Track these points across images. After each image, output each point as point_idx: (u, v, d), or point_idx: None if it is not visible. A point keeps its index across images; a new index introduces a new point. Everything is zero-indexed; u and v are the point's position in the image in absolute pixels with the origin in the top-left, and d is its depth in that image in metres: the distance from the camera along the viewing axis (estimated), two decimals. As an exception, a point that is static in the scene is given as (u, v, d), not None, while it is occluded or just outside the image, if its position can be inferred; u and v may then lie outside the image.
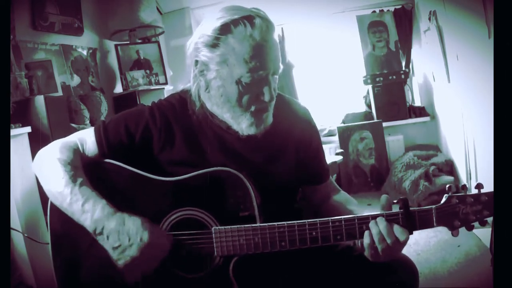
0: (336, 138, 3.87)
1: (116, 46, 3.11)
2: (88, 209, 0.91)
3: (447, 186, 0.90)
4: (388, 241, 0.86)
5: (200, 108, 1.03)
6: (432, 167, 3.26)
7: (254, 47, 0.90)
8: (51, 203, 0.99)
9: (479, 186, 0.89)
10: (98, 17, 3.13)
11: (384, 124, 3.75)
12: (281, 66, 0.99)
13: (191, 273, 0.96)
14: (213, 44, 0.93)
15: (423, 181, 3.16)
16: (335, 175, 2.88)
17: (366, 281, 0.98)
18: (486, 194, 0.89)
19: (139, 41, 3.24)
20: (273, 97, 0.96)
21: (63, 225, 0.98)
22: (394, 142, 3.80)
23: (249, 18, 0.90)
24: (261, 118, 0.98)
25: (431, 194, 3.12)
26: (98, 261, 0.95)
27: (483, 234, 2.35)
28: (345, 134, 3.79)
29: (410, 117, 3.84)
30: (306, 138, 1.11)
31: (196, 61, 0.98)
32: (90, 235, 0.92)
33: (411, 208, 0.89)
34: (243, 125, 0.98)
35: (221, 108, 0.99)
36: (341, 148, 3.67)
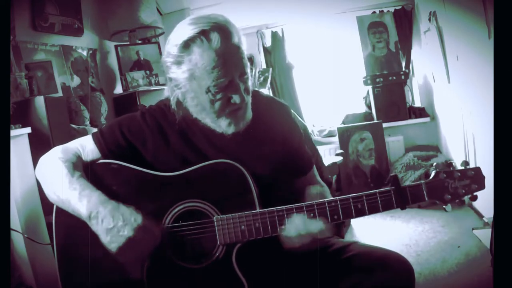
0: (336, 139, 3.87)
1: (116, 46, 3.12)
2: (85, 195, 0.97)
3: (434, 163, 0.95)
4: (303, 233, 0.93)
5: (186, 113, 1.08)
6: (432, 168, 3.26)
7: (214, 58, 0.96)
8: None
9: (465, 163, 0.95)
10: (98, 18, 3.13)
11: (384, 125, 3.75)
12: (248, 64, 1.03)
13: (195, 264, 0.99)
14: (178, 62, 1.00)
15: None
16: (335, 176, 2.88)
17: (360, 279, 0.97)
18: (472, 169, 0.93)
19: (139, 41, 3.25)
20: (243, 98, 1.01)
21: (69, 227, 1.01)
22: (394, 143, 3.80)
23: (205, 33, 0.96)
24: (237, 116, 1.03)
25: (431, 194, 3.12)
26: (103, 261, 0.96)
27: (483, 234, 2.36)
28: (345, 135, 3.79)
29: (410, 117, 3.83)
30: (290, 130, 1.17)
31: (170, 78, 1.05)
32: (96, 236, 0.94)
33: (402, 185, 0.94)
34: (223, 127, 1.04)
35: (200, 115, 1.06)
36: (341, 148, 3.68)
